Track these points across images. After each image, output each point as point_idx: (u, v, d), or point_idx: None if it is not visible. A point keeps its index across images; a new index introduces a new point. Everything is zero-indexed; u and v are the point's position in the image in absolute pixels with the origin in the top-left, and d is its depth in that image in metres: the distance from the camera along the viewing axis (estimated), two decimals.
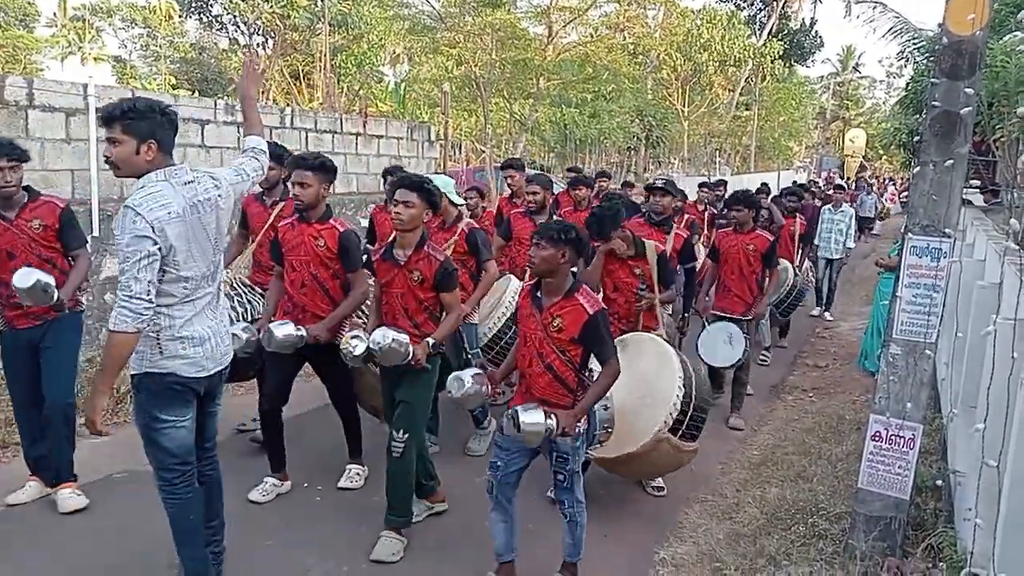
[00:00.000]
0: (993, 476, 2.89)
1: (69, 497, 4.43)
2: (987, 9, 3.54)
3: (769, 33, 34.46)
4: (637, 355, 4.66)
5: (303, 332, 4.39)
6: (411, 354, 3.97)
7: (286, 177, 5.28)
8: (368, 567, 3.99)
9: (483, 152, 25.75)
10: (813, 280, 9.96)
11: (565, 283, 3.56)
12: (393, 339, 3.93)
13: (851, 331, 10.39)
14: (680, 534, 4.49)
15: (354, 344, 4.13)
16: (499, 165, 7.06)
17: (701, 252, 8.28)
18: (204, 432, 3.53)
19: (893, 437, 3.78)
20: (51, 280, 4.04)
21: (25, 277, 3.93)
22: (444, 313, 4.18)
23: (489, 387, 3.90)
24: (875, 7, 12.63)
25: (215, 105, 9.08)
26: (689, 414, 4.50)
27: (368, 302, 4.62)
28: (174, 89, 23.18)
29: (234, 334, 4.06)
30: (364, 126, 11.53)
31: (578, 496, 3.67)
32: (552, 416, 3.43)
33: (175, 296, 3.14)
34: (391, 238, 4.21)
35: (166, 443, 3.23)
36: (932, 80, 3.72)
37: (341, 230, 4.51)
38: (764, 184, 11.64)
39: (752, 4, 37.61)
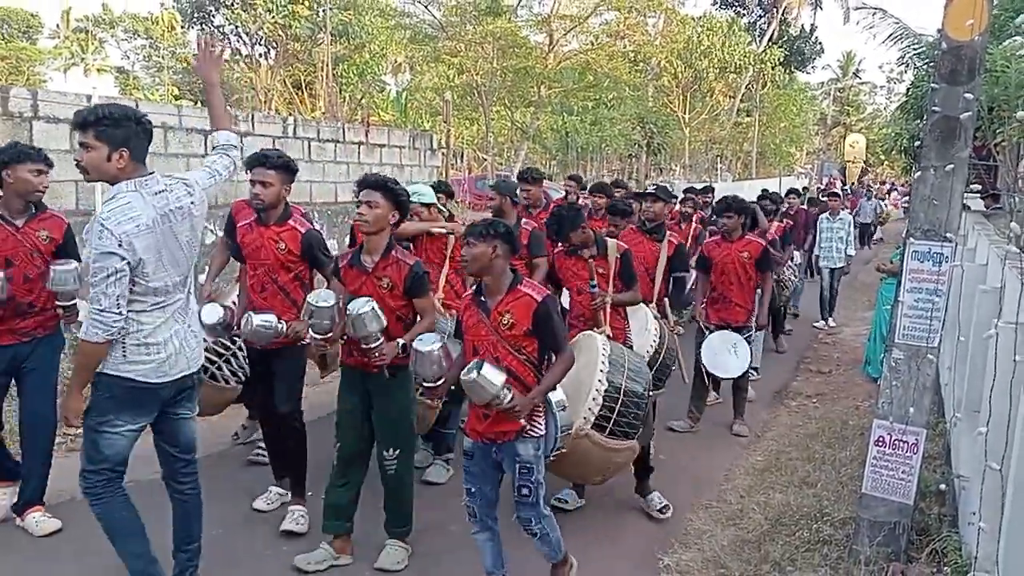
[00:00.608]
0: (997, 480, 2.90)
1: (42, 520, 4.26)
2: (986, 14, 3.56)
3: (769, 40, 34.56)
4: (579, 354, 4.22)
5: (283, 326, 4.22)
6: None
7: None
8: (372, 575, 4.00)
9: (485, 160, 25.82)
10: (796, 281, 9.84)
11: (505, 278, 3.48)
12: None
13: (854, 336, 10.39)
14: (685, 540, 4.49)
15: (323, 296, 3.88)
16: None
17: None
18: (177, 440, 3.48)
19: (896, 442, 3.78)
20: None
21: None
22: (418, 319, 3.97)
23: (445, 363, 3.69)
24: (875, 13, 12.64)
25: None
26: (617, 409, 4.10)
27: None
28: (177, 100, 23.26)
29: (203, 322, 4.01)
30: (366, 135, 11.56)
31: (543, 510, 3.54)
32: (510, 390, 3.32)
33: (144, 303, 3.15)
34: (361, 244, 4.02)
35: (103, 446, 3.20)
36: (932, 85, 3.74)
37: (303, 231, 4.32)
38: (765, 190, 11.64)
39: (752, 11, 37.74)
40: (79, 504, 4.58)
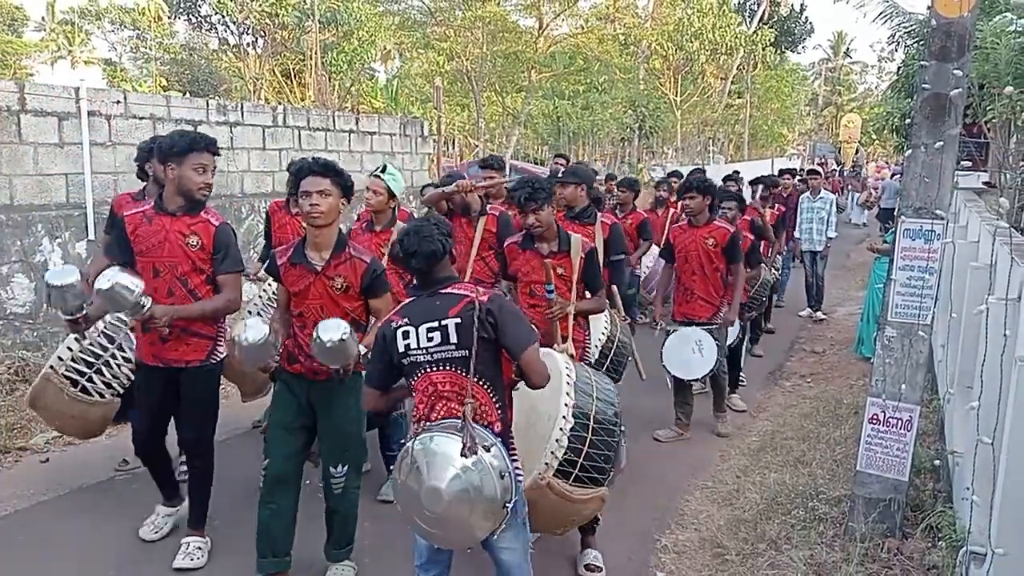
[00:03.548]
0: (989, 454, 2.92)
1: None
2: None
3: (760, 20, 34.42)
4: None
5: (147, 301, 3.48)
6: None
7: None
8: (374, 565, 4.01)
9: (477, 146, 25.75)
10: (784, 272, 8.92)
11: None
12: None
13: (847, 316, 10.42)
14: (681, 521, 4.52)
15: (247, 330, 3.39)
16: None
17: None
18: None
19: (891, 419, 3.81)
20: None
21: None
22: (373, 320, 3.59)
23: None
24: None
25: (207, 106, 9.07)
26: (584, 451, 3.33)
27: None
28: (165, 90, 23.11)
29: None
30: (357, 123, 11.52)
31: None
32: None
33: None
34: (301, 238, 3.58)
35: None
36: (922, 63, 3.74)
37: (216, 224, 3.75)
38: (736, 172, 11.13)
39: None
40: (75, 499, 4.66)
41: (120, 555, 3.97)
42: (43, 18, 36.90)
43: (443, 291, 2.83)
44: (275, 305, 4.20)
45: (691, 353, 5.62)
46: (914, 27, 11.74)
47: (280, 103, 18.33)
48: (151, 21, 27.45)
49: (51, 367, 4.28)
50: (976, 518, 3.16)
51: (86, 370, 4.26)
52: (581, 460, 3.31)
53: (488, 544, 2.80)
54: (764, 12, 35.41)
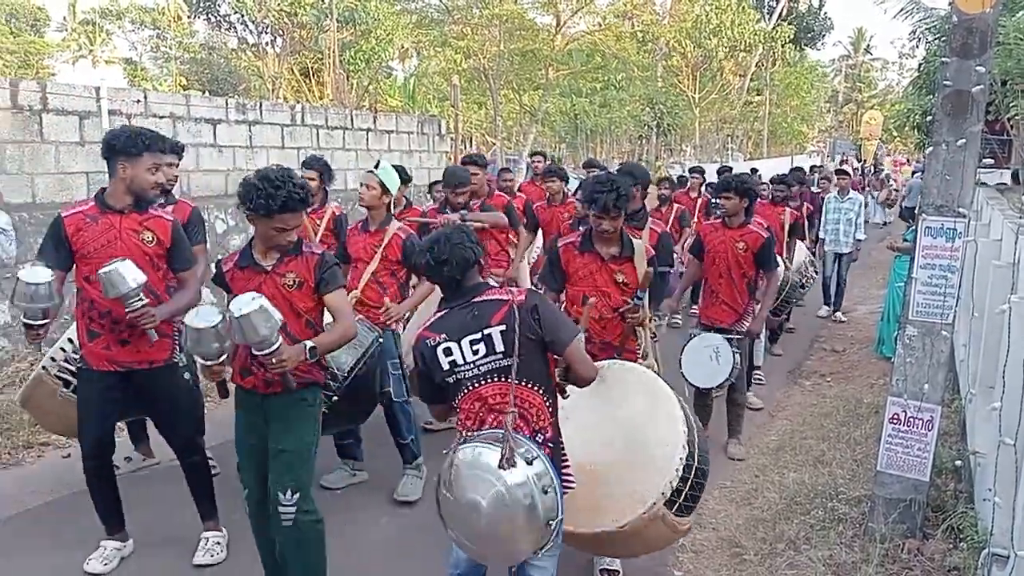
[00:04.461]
0: (1012, 455, 2.89)
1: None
2: None
3: (779, 17, 34.19)
4: (620, 394, 3.35)
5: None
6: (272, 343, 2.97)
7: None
8: (383, 563, 4.01)
9: (494, 144, 25.76)
10: (814, 275, 8.46)
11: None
12: (260, 306, 2.92)
13: (868, 315, 10.33)
14: (699, 520, 4.48)
15: (197, 315, 3.12)
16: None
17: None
18: None
19: (911, 419, 3.77)
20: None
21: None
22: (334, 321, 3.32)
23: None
24: None
25: (226, 104, 9.12)
26: (690, 481, 3.18)
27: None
28: (184, 90, 23.28)
29: None
30: (375, 121, 11.56)
31: None
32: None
33: None
34: (249, 241, 3.32)
35: None
36: (943, 59, 3.70)
37: (170, 219, 3.67)
38: (754, 169, 10.97)
39: None
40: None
41: (141, 548, 4.00)
42: (65, 18, 37.34)
43: (478, 299, 2.70)
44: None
45: (708, 360, 5.38)
46: (935, 23, 11.63)
47: (298, 102, 18.42)
48: (171, 21, 27.68)
49: (44, 368, 4.23)
50: (998, 519, 3.13)
51: (71, 379, 4.12)
52: (687, 490, 3.15)
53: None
54: (783, 8, 35.18)
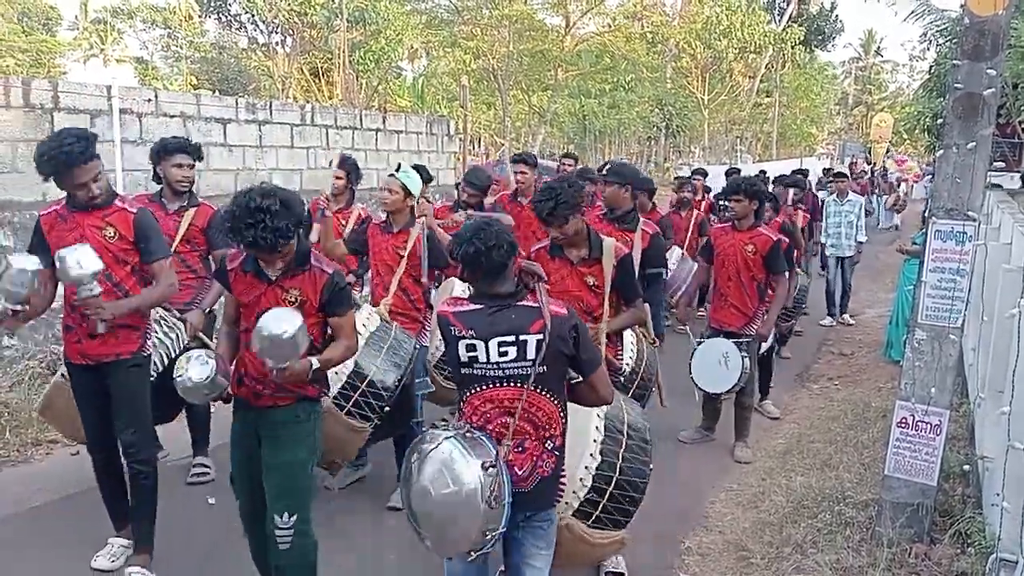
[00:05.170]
0: (1021, 460, 2.87)
1: None
2: None
3: (789, 18, 34.16)
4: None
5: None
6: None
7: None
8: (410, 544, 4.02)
9: (503, 145, 25.78)
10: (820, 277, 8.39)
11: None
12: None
13: (877, 318, 10.28)
14: (706, 523, 4.49)
15: (193, 367, 2.96)
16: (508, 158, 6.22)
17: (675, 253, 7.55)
18: None
19: (920, 423, 3.76)
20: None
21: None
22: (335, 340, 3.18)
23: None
24: None
25: (236, 104, 9.15)
26: (608, 492, 3.19)
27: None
28: (195, 89, 23.37)
29: None
30: (384, 122, 11.57)
31: None
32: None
33: None
34: None
35: None
36: (954, 62, 3.69)
37: (134, 211, 3.55)
38: (762, 171, 10.90)
39: None
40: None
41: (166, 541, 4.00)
42: (76, 17, 37.49)
43: (519, 304, 2.65)
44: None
45: (718, 365, 5.36)
46: (946, 25, 11.59)
47: (308, 101, 18.46)
48: (182, 20, 27.79)
49: (62, 375, 4.14)
50: (1007, 525, 3.12)
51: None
52: (604, 501, 3.16)
53: (515, 558, 2.72)
54: (793, 10, 35.14)
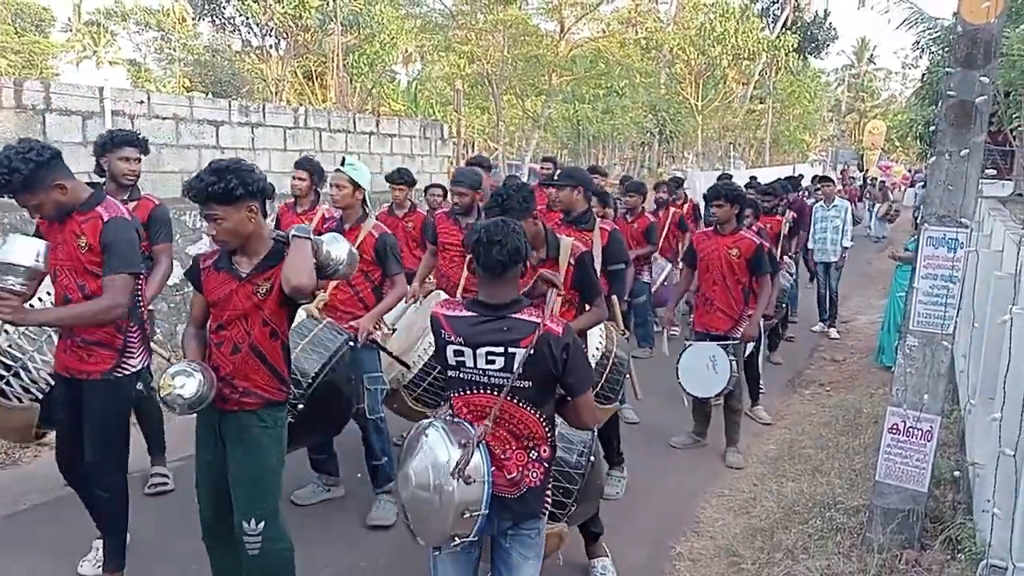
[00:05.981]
0: (1011, 466, 2.88)
1: None
2: None
3: (783, 26, 34.24)
4: None
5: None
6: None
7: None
8: (386, 561, 4.00)
9: (496, 149, 25.80)
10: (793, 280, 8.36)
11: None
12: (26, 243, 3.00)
13: (868, 324, 10.32)
14: (697, 528, 4.49)
15: (180, 383, 2.86)
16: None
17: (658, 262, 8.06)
18: None
19: (911, 429, 3.76)
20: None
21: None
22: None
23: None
24: None
25: (229, 107, 9.14)
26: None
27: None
28: (188, 91, 23.33)
29: None
30: (377, 125, 11.58)
31: None
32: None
33: None
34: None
35: None
36: (947, 70, 3.70)
37: (106, 218, 3.28)
38: (753, 178, 11.01)
39: None
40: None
41: (137, 551, 3.95)
42: (69, 19, 37.41)
43: (514, 315, 2.60)
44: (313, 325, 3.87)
45: (705, 369, 5.39)
46: (939, 33, 11.63)
47: (301, 104, 18.44)
48: (175, 22, 27.78)
49: None
50: (997, 531, 3.12)
51: (4, 373, 3.84)
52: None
53: (501, 567, 2.73)
54: (787, 17, 35.22)
